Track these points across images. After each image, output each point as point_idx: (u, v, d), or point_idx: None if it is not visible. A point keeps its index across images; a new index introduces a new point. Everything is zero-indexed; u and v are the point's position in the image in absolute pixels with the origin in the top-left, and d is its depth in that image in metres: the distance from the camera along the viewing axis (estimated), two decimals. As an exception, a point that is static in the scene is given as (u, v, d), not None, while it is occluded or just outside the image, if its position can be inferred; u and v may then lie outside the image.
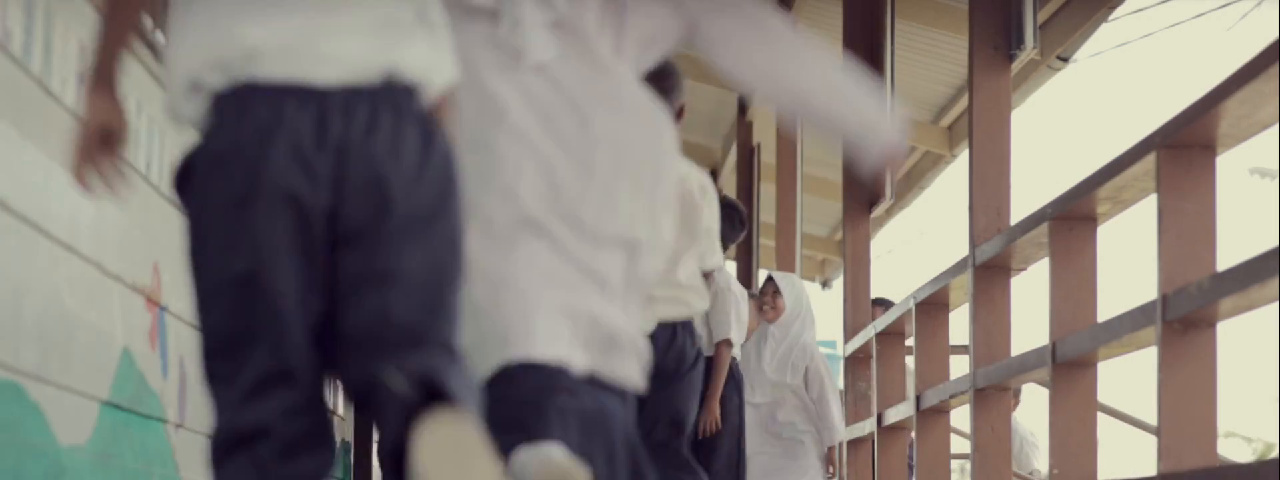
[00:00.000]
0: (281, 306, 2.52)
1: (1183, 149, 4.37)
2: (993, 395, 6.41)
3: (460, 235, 2.60)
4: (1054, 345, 5.38)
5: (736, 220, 7.28)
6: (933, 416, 7.54)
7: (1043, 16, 9.62)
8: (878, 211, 9.71)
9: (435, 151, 2.56)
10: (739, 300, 7.40)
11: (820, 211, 16.60)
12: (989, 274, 6.52)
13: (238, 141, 2.48)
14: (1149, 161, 4.54)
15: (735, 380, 7.38)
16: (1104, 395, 6.17)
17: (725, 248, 7.16)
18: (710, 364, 6.92)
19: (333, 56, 2.51)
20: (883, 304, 9.53)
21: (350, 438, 7.22)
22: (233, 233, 2.50)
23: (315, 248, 2.52)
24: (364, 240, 2.53)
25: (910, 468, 8.38)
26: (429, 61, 2.59)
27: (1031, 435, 10.14)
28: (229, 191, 2.49)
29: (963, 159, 11.77)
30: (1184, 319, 4.30)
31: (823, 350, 9.57)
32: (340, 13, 2.53)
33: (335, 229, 2.53)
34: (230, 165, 2.49)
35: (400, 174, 2.52)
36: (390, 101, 2.54)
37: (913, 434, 7.76)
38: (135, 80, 3.65)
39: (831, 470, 9.50)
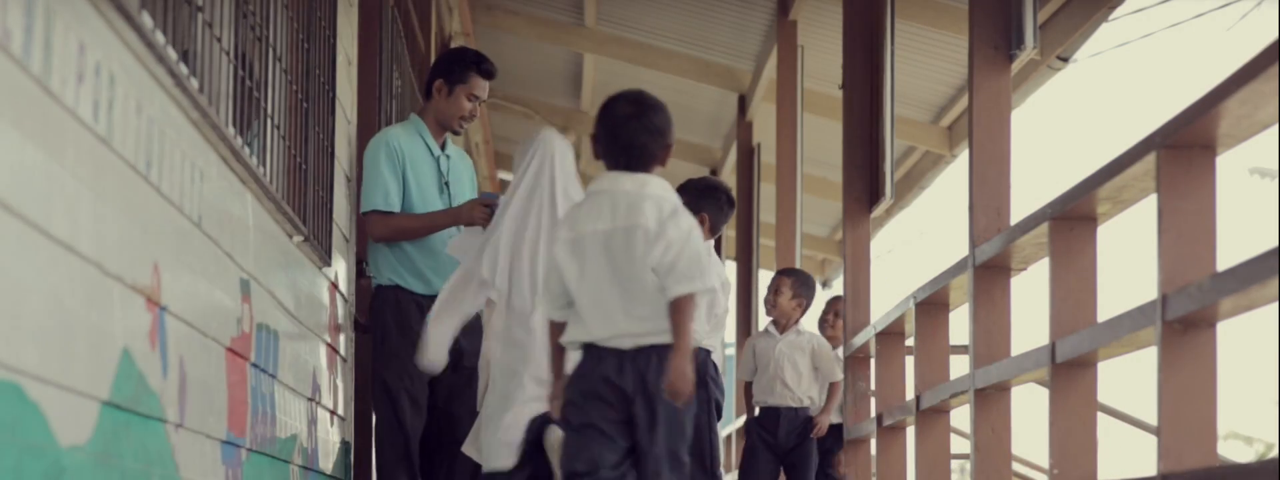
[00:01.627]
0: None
1: (1183, 149, 4.37)
2: (993, 395, 6.41)
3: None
4: (1054, 345, 5.38)
5: (723, 200, 7.26)
6: (933, 416, 7.55)
7: (1043, 16, 9.63)
8: (878, 211, 9.71)
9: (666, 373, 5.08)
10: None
11: (820, 211, 16.61)
12: (989, 274, 6.52)
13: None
14: (1149, 161, 4.54)
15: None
16: (1104, 395, 6.16)
17: (717, 230, 7.21)
18: None
19: (622, 335, 5.08)
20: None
21: (350, 438, 7.22)
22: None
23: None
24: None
25: None
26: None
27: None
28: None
29: (963, 159, 11.75)
30: (1184, 319, 4.30)
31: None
32: (625, 321, 5.06)
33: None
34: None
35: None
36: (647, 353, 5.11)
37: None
38: (137, 81, 3.66)
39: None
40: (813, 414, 9.27)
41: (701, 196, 7.22)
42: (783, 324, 9.25)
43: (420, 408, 6.97)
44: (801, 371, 9.18)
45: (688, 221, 5.12)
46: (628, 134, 5.14)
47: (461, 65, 7.04)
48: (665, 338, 5.06)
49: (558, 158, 6.44)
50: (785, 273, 9.55)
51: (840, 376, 9.24)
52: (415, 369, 6.84)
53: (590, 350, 5.14)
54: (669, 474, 5.12)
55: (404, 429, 6.94)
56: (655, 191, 5.14)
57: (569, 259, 5.12)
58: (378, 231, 6.96)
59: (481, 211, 6.75)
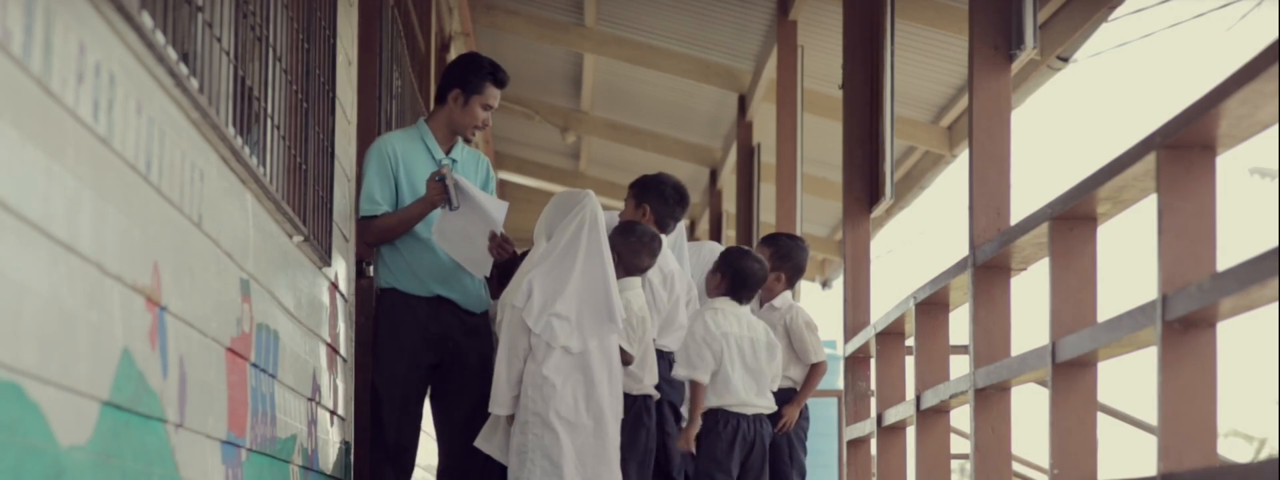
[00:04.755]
0: None
1: (1183, 149, 4.37)
2: (993, 395, 6.41)
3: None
4: (1054, 345, 5.38)
5: (667, 192, 7.39)
6: (933, 416, 7.55)
7: (1043, 16, 9.63)
8: (878, 211, 9.72)
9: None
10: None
11: (820, 211, 16.60)
12: (989, 274, 6.52)
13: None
14: (1149, 161, 4.54)
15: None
16: (1104, 395, 6.16)
17: (663, 223, 7.40)
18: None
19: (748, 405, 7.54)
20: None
21: (350, 438, 7.22)
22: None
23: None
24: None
25: None
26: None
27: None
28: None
29: (963, 159, 11.74)
30: (1184, 319, 4.30)
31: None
32: (749, 395, 7.63)
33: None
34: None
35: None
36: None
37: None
38: (137, 81, 3.66)
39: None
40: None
41: (645, 189, 7.39)
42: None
43: (408, 411, 7.02)
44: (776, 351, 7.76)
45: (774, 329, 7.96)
46: (756, 281, 7.67)
47: (478, 76, 7.04)
48: (771, 409, 7.69)
49: (599, 219, 6.77)
50: (765, 240, 8.48)
51: (820, 356, 8.19)
52: (402, 373, 6.94)
53: (721, 413, 7.58)
54: None
55: (387, 432, 7.02)
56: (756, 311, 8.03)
57: (716, 344, 7.56)
58: (366, 236, 7.05)
59: (435, 187, 6.80)
